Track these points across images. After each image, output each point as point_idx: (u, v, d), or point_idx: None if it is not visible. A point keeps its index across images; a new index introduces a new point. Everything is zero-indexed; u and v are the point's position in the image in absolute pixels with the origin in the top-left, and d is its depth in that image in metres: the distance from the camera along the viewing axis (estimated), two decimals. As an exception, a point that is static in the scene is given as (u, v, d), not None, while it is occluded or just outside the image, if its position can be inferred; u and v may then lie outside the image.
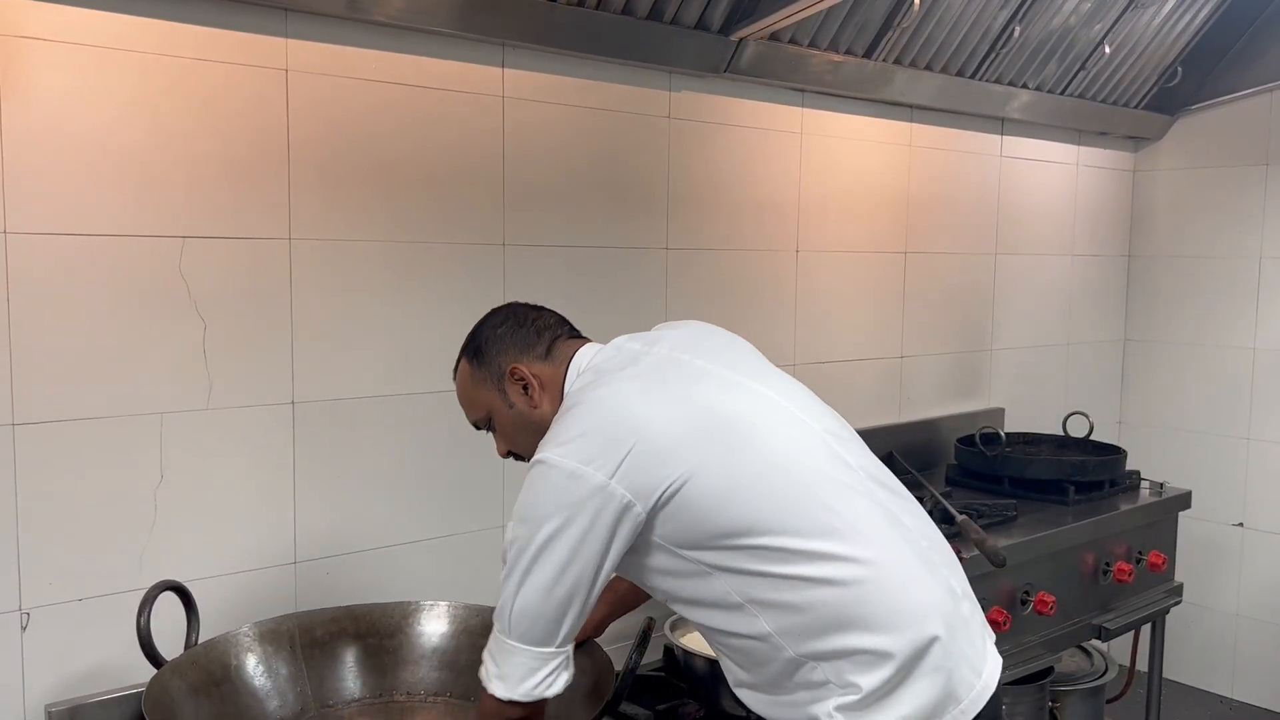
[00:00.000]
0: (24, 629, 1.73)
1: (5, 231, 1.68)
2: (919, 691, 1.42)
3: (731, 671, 1.57)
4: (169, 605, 1.71)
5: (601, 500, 1.39)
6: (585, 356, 1.60)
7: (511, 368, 1.60)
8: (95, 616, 1.80)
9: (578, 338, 1.67)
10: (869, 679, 1.40)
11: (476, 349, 1.65)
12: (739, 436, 1.45)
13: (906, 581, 1.46)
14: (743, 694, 1.57)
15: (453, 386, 1.69)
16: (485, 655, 1.49)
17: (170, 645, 1.69)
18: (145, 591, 1.68)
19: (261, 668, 1.78)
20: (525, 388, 1.60)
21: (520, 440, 1.63)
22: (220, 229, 1.89)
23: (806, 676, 1.44)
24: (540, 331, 1.64)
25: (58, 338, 1.74)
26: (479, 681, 1.49)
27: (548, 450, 1.44)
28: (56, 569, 1.76)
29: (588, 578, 1.42)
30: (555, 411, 1.54)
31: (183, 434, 1.87)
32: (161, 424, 1.85)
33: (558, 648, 1.45)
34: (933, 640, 1.42)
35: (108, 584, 1.81)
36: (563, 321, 1.68)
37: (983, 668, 1.50)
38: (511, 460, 1.67)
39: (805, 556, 1.41)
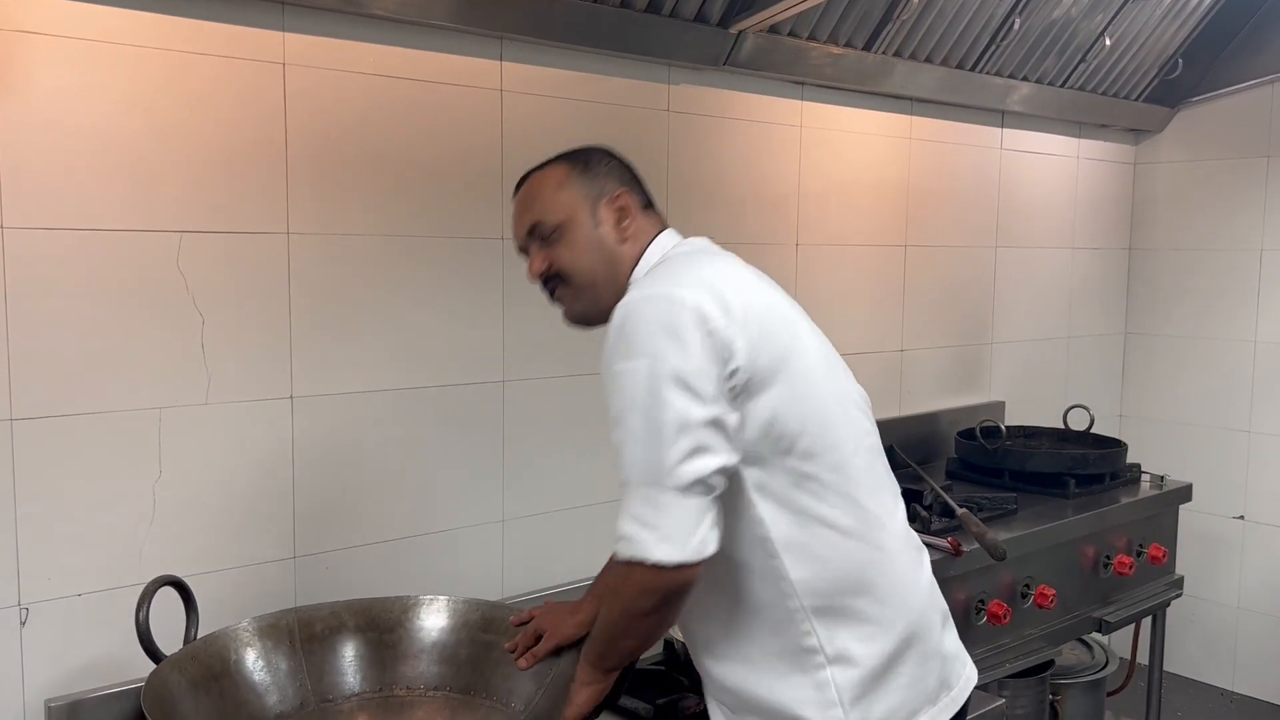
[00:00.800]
0: (23, 624, 1.73)
1: (2, 226, 1.67)
2: (917, 676, 1.43)
3: (693, 634, 1.49)
4: (168, 600, 1.70)
5: (709, 327, 1.30)
6: (673, 238, 1.56)
7: (618, 192, 1.52)
8: (94, 612, 1.80)
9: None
10: (867, 650, 1.39)
11: (585, 159, 1.55)
12: (813, 363, 1.43)
13: (912, 564, 1.48)
14: (699, 654, 1.49)
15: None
16: (630, 525, 1.27)
17: (169, 640, 1.68)
18: (144, 586, 1.67)
19: (261, 662, 1.78)
20: (621, 218, 1.52)
21: (584, 263, 1.50)
22: (218, 223, 1.88)
23: (798, 641, 1.39)
24: (645, 189, 1.59)
25: (55, 333, 1.73)
26: (621, 561, 1.29)
27: (646, 288, 1.35)
28: (55, 564, 1.76)
29: (719, 393, 1.28)
30: (635, 260, 1.49)
31: (181, 429, 1.87)
32: (160, 419, 1.84)
33: (714, 499, 1.29)
34: (930, 627, 1.45)
35: (106, 579, 1.81)
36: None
37: (966, 660, 1.56)
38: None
39: (850, 502, 1.40)
